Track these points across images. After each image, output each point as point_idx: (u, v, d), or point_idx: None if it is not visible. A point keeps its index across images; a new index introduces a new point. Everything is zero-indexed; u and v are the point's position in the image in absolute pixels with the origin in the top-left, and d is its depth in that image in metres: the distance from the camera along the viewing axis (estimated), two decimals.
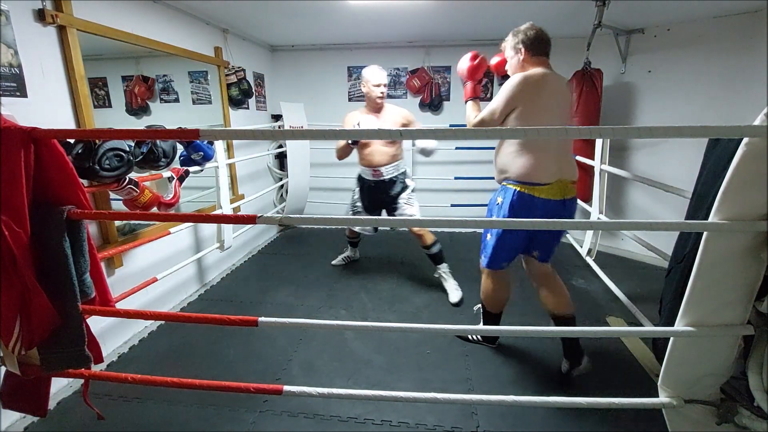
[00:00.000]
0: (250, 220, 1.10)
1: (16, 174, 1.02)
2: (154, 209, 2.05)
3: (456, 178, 4.20)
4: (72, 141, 1.65)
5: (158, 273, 2.30)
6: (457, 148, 4.20)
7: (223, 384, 1.22)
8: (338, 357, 2.10)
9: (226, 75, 3.27)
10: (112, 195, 1.94)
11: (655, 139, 3.26)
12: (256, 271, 3.30)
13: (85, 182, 1.70)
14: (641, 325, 2.17)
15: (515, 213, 1.72)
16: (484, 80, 2.08)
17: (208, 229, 3.01)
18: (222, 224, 2.93)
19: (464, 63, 1.96)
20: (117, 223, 2.18)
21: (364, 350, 2.15)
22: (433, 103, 4.18)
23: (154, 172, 2.14)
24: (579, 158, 3.09)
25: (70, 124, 1.89)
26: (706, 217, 0.97)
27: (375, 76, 2.66)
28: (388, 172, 2.76)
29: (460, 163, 4.27)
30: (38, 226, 1.08)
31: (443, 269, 2.80)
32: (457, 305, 2.61)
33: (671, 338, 1.10)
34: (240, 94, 3.37)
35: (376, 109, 2.71)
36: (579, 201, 2.97)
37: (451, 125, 4.04)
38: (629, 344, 2.15)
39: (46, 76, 1.77)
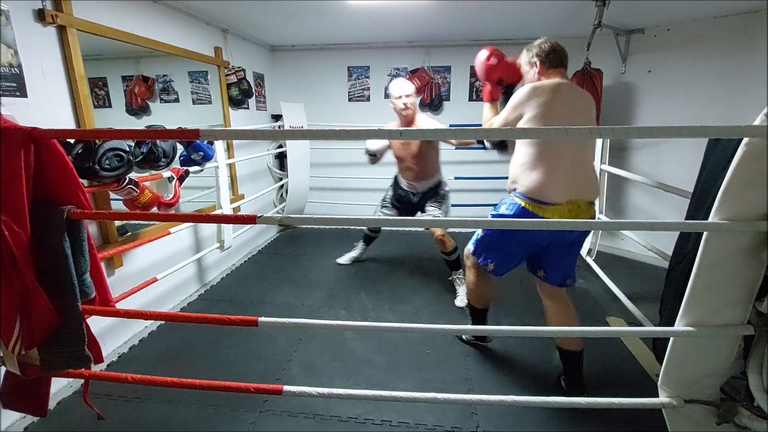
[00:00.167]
0: (250, 220, 1.10)
1: (16, 174, 1.02)
2: (154, 209, 2.05)
3: (456, 178, 4.20)
4: (72, 141, 1.65)
5: (158, 273, 2.30)
6: (457, 148, 4.19)
7: (223, 384, 1.22)
8: (338, 357, 2.10)
9: (226, 75, 3.27)
10: (112, 195, 1.94)
11: (655, 139, 3.26)
12: (256, 271, 3.30)
13: (85, 182, 1.70)
14: (641, 325, 2.17)
15: (516, 230, 1.65)
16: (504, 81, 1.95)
17: (208, 229, 3.01)
18: (222, 224, 2.93)
19: (479, 63, 1.85)
20: (117, 223, 2.18)
21: (364, 350, 2.15)
22: (433, 103, 4.18)
23: (154, 172, 2.14)
24: None
25: (70, 124, 1.89)
26: (706, 217, 0.97)
27: (395, 89, 2.61)
28: (421, 188, 2.82)
29: (460, 163, 4.26)
30: (38, 226, 1.08)
31: (458, 275, 2.81)
32: (462, 308, 2.61)
33: (671, 338, 1.10)
34: (240, 94, 3.37)
35: (406, 122, 2.65)
36: None
37: (450, 125, 4.03)
38: (629, 344, 2.15)
39: (46, 76, 1.77)
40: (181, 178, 2.27)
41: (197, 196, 3.22)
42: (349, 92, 4.34)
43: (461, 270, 2.79)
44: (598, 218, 3.04)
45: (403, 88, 2.61)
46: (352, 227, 4.30)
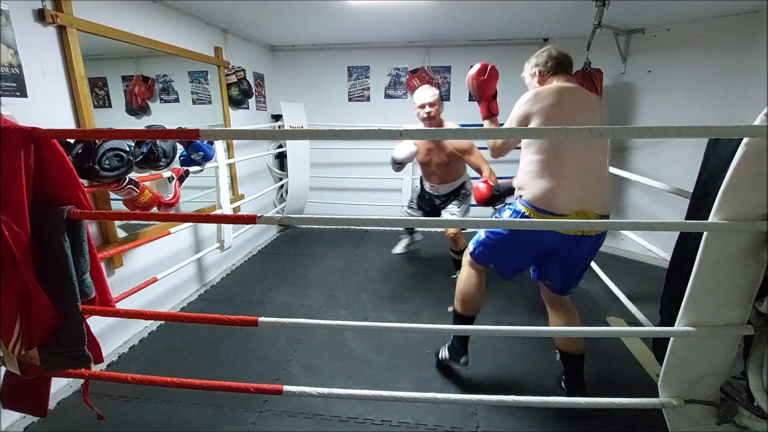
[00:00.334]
0: (250, 220, 1.10)
1: (16, 174, 1.02)
2: (154, 209, 2.05)
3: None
4: (72, 141, 1.65)
5: (158, 273, 2.30)
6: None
7: (223, 384, 1.21)
8: (338, 357, 2.10)
9: (226, 75, 3.27)
10: (112, 195, 1.94)
11: (655, 139, 3.26)
12: (256, 271, 3.30)
13: (85, 182, 1.70)
14: (641, 325, 2.17)
15: (518, 238, 1.57)
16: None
17: (208, 229, 3.01)
18: (222, 224, 2.93)
19: (471, 80, 1.76)
20: (117, 223, 2.18)
21: (364, 350, 2.15)
22: None
23: (154, 172, 2.14)
24: None
25: (70, 124, 1.89)
26: (706, 217, 0.97)
27: (418, 97, 2.54)
28: (445, 189, 2.81)
29: None
30: (38, 226, 1.08)
31: None
32: None
33: (671, 338, 1.10)
34: (240, 94, 3.37)
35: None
36: None
37: None
38: (629, 344, 2.15)
39: (46, 76, 1.77)
40: (181, 178, 2.27)
41: (197, 196, 3.22)
42: (349, 92, 4.34)
43: None
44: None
45: (425, 97, 2.50)
46: (352, 227, 4.31)
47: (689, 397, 1.10)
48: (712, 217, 0.95)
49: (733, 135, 0.96)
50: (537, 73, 1.65)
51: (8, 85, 1.60)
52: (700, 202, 1.28)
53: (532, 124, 1.51)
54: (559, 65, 1.62)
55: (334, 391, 1.20)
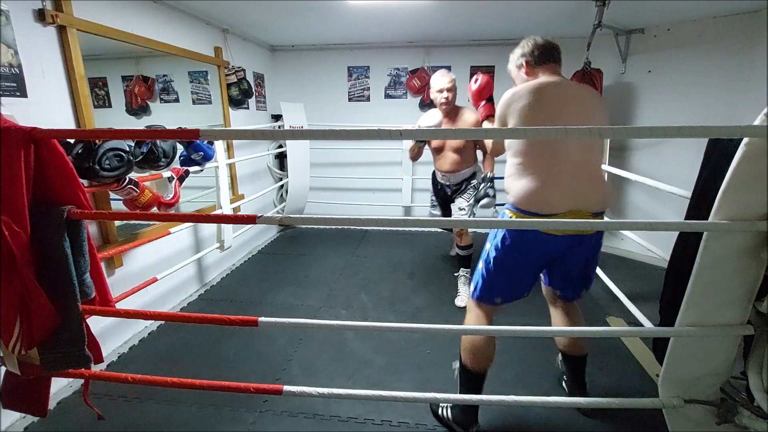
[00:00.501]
0: (250, 220, 1.10)
1: (16, 174, 1.02)
2: (154, 209, 2.06)
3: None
4: (72, 141, 1.65)
5: (158, 273, 2.30)
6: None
7: (223, 384, 1.21)
8: (338, 357, 2.10)
9: (226, 75, 3.27)
10: (112, 195, 1.94)
11: (655, 139, 3.26)
12: (256, 271, 3.30)
13: (85, 182, 1.70)
14: (641, 325, 2.17)
15: (512, 248, 1.43)
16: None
17: (208, 229, 3.01)
18: (222, 224, 2.93)
19: (470, 91, 1.90)
20: (117, 223, 2.18)
21: (364, 350, 2.15)
22: (433, 103, 4.18)
23: (154, 172, 2.14)
24: None
25: (70, 124, 1.89)
26: (706, 217, 0.97)
27: (435, 82, 2.56)
28: (456, 179, 2.77)
29: None
30: (38, 226, 1.08)
31: (465, 272, 2.80)
32: (462, 308, 2.60)
33: (671, 338, 1.10)
34: (240, 94, 3.37)
35: (447, 114, 2.58)
36: None
37: None
38: (629, 344, 2.15)
39: (46, 76, 1.77)
40: (181, 178, 2.27)
41: (197, 196, 3.22)
42: (349, 92, 4.34)
43: (469, 268, 2.79)
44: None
45: (443, 82, 2.52)
46: (352, 227, 4.31)
47: (689, 397, 1.10)
48: (712, 217, 0.95)
49: (733, 135, 0.96)
50: (524, 63, 1.55)
51: (8, 85, 1.60)
52: (700, 202, 1.28)
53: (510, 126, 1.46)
54: (545, 54, 1.52)
55: (334, 391, 1.20)
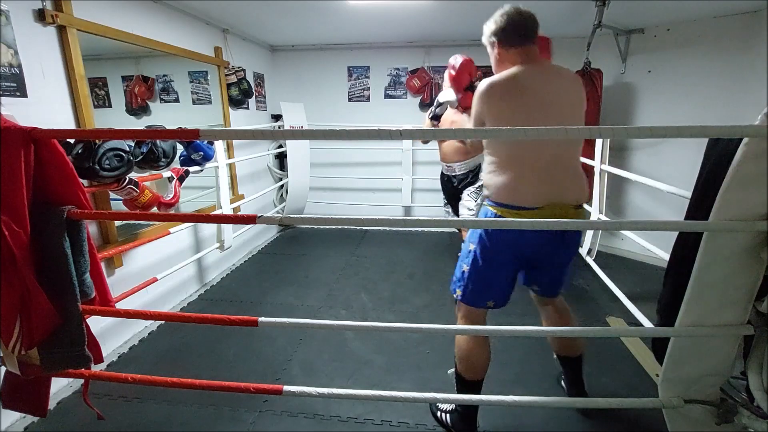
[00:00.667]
0: (250, 220, 1.10)
1: (16, 174, 1.02)
2: (154, 209, 2.06)
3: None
4: (72, 141, 1.65)
5: (158, 273, 2.30)
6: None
7: (223, 384, 1.22)
8: (338, 357, 2.10)
9: (226, 75, 3.27)
10: (112, 195, 1.94)
11: (655, 139, 3.26)
12: (256, 271, 3.30)
13: (85, 182, 1.70)
14: (641, 325, 2.17)
15: (491, 244, 1.39)
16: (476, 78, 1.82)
17: (208, 229, 3.00)
18: (222, 224, 2.93)
19: (449, 79, 1.78)
20: (117, 223, 2.18)
21: (364, 350, 2.15)
22: (433, 103, 4.18)
23: (154, 172, 2.14)
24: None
25: (70, 124, 1.89)
26: (706, 217, 0.97)
27: (452, 62, 2.42)
28: (460, 169, 2.72)
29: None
30: (38, 226, 1.08)
31: None
32: None
33: (671, 338, 1.10)
34: (240, 94, 3.37)
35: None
36: None
37: None
38: (629, 344, 2.15)
39: (46, 76, 1.77)
40: (181, 178, 2.27)
41: (197, 196, 3.22)
42: (349, 92, 4.34)
43: None
44: (598, 218, 3.04)
45: (458, 60, 2.45)
46: (352, 227, 4.31)
47: (689, 397, 1.10)
48: (712, 217, 0.95)
49: (733, 135, 0.96)
50: (496, 42, 1.44)
51: (8, 85, 1.60)
52: (700, 202, 1.27)
53: (487, 125, 1.40)
54: (518, 31, 1.39)
55: (334, 391, 1.20)
